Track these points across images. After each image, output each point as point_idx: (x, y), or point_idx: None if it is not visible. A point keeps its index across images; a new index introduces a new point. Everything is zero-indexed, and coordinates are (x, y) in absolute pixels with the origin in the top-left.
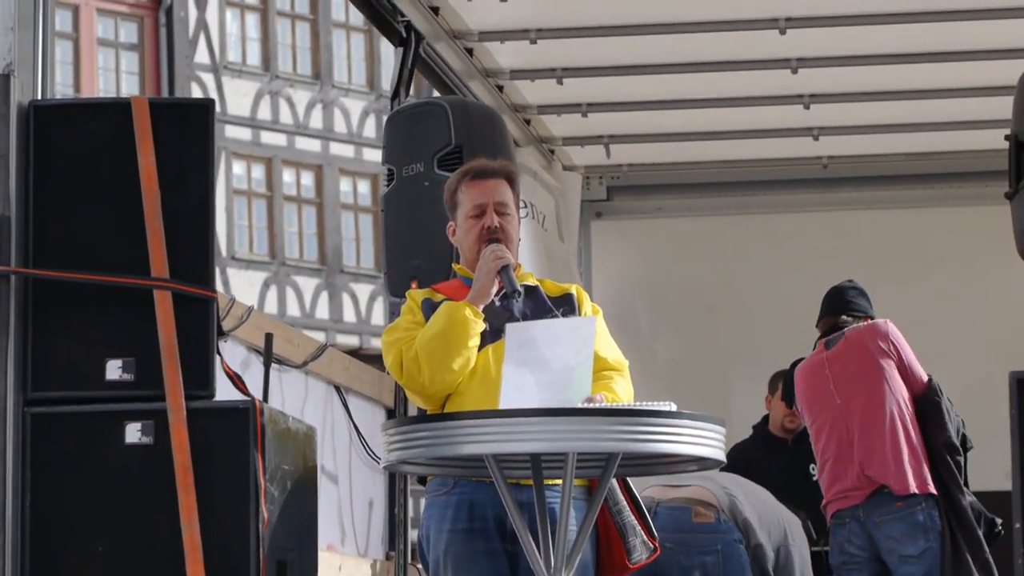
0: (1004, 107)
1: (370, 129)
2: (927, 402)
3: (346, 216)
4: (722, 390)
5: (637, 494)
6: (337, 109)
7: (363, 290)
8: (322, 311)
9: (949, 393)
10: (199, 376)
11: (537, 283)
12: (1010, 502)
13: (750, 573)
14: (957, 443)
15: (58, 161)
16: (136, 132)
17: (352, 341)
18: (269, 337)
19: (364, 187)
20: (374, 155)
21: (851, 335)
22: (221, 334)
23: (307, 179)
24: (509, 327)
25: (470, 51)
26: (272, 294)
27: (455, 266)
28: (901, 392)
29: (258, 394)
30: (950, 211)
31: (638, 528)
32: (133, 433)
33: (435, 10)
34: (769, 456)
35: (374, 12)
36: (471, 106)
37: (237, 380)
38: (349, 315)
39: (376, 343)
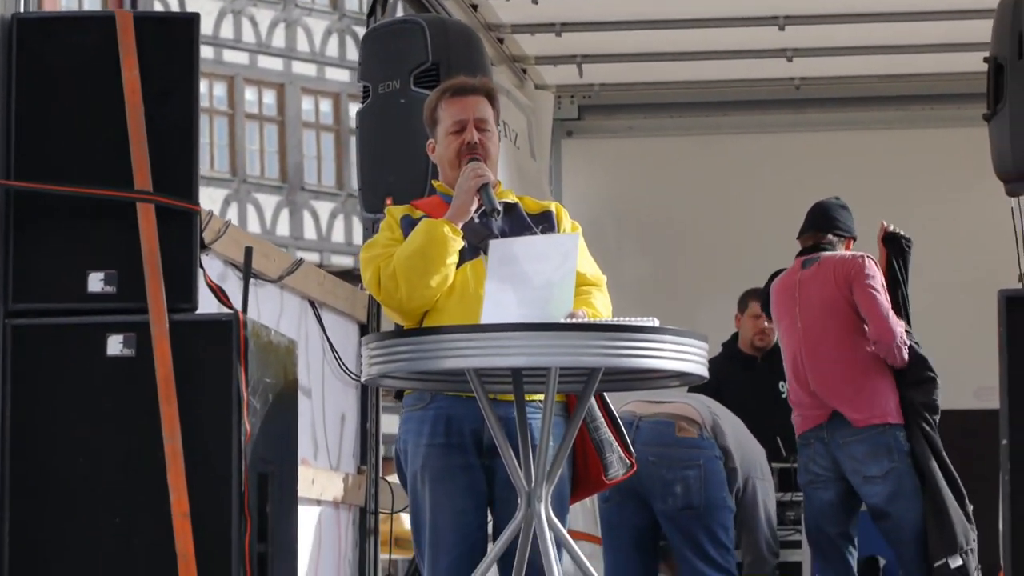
0: (978, 30)
1: (332, 48)
2: (918, 373)
3: (308, 134)
4: (689, 308)
5: (615, 410)
6: (300, 28)
7: (324, 208)
8: (283, 228)
9: (922, 311)
10: (182, 289)
11: (517, 200)
12: (979, 421)
13: (727, 491)
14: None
15: (42, 74)
16: (120, 45)
17: (313, 258)
18: (249, 251)
19: (326, 106)
20: (336, 74)
21: (827, 262)
22: (203, 247)
23: (269, 97)
24: (491, 243)
25: None
26: (233, 211)
27: (434, 182)
28: (861, 329)
29: (238, 307)
30: (924, 132)
31: (615, 444)
32: (115, 345)
33: None
34: (739, 373)
35: None
36: (448, 24)
37: (220, 293)
38: (310, 232)
39: (337, 260)
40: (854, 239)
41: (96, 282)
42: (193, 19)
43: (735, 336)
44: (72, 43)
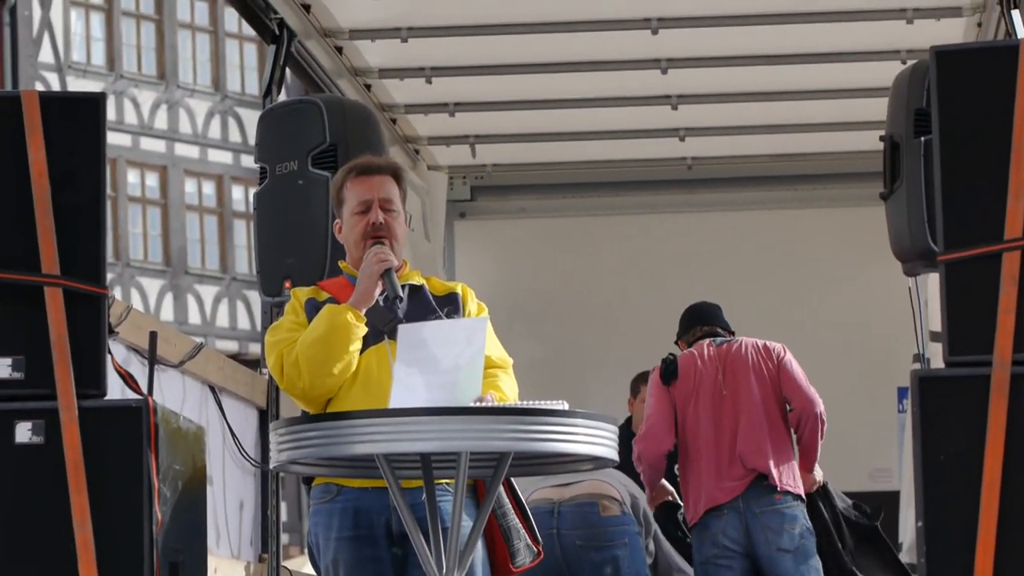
0: (868, 109)
1: (215, 130)
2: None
3: (191, 217)
4: (582, 390)
5: (522, 497)
6: (182, 109)
7: (208, 291)
8: (167, 312)
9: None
10: (90, 374)
11: (423, 281)
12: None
13: (647, 566)
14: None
15: None
16: (26, 125)
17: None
18: (154, 335)
19: (209, 188)
20: (219, 156)
21: (746, 341)
22: (110, 332)
23: (152, 180)
24: (400, 328)
25: (339, 49)
26: (116, 294)
27: (341, 263)
28: (782, 405)
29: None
30: (813, 212)
31: (523, 531)
32: (23, 432)
33: (307, 7)
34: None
35: (247, 9)
36: (346, 104)
37: (128, 378)
38: (194, 317)
39: (222, 344)
40: (733, 334)
41: (3, 368)
42: (99, 99)
43: (628, 420)
44: None
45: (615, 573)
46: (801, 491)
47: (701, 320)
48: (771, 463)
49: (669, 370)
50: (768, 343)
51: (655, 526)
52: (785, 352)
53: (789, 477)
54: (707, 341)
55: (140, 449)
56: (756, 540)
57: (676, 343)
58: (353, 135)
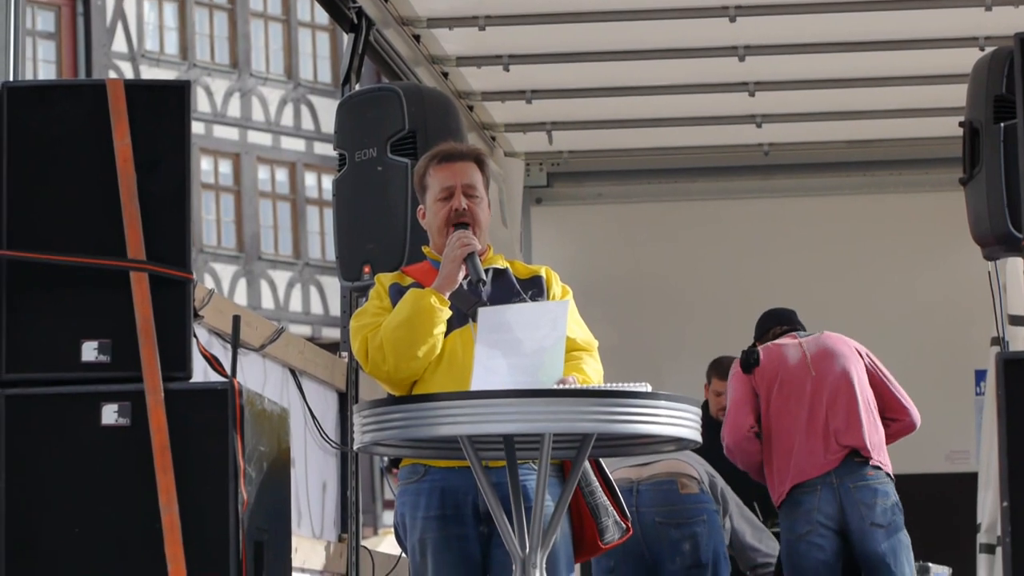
0: (946, 95)
1: (287, 118)
2: None
3: (264, 204)
4: (659, 375)
5: (610, 475)
6: (255, 98)
7: (281, 277)
8: (240, 297)
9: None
10: (176, 357)
11: (507, 265)
12: (949, 484)
13: (725, 544)
14: None
15: (33, 143)
16: (112, 114)
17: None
18: (237, 319)
19: (282, 175)
20: (291, 143)
21: (830, 334)
22: (196, 316)
23: (225, 167)
24: (481, 311)
25: (417, 37)
26: None
27: (424, 249)
28: (872, 392)
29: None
30: (890, 198)
31: (611, 508)
32: (110, 414)
33: None
34: (716, 440)
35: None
36: (424, 92)
37: (214, 361)
38: (267, 302)
39: (295, 329)
40: None
41: (90, 351)
42: (184, 87)
43: (706, 404)
44: (64, 112)
45: (694, 550)
46: (890, 469)
47: (778, 321)
48: (866, 439)
49: (750, 359)
50: (850, 340)
51: (732, 504)
52: (871, 354)
53: (880, 454)
54: (790, 334)
55: (226, 430)
56: (850, 515)
57: (754, 345)
58: (432, 122)
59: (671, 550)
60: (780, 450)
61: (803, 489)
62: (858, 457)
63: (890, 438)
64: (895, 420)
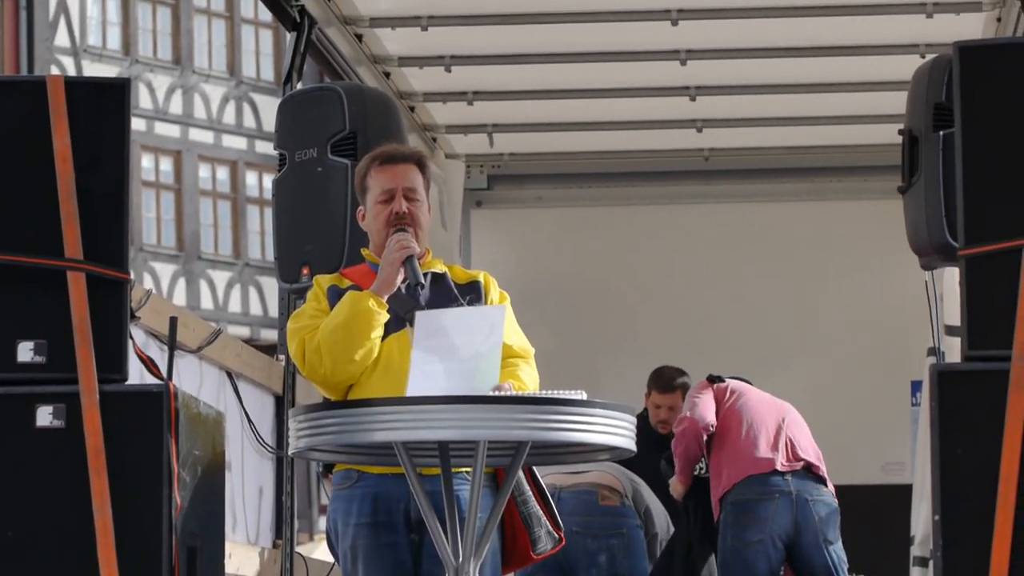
0: (887, 102)
1: (229, 115)
2: None
3: (204, 202)
4: (597, 381)
5: (543, 483)
6: (197, 95)
7: (220, 277)
8: (179, 297)
9: (824, 386)
10: (112, 359)
11: (445, 269)
12: (883, 496)
13: (647, 560)
14: None
15: None
16: (51, 111)
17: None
18: (174, 321)
19: (223, 173)
20: (233, 141)
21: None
22: (133, 317)
23: (166, 165)
24: (418, 315)
25: (360, 37)
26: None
27: (363, 251)
28: None
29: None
30: (830, 205)
31: (543, 518)
32: (44, 416)
33: None
34: (652, 450)
35: None
36: (366, 92)
37: (150, 364)
38: (206, 302)
39: (233, 330)
40: None
41: (26, 351)
42: (125, 85)
43: (645, 412)
44: (2, 108)
45: (610, 562)
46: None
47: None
48: (816, 459)
49: (715, 377)
50: None
51: (661, 535)
52: None
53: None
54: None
55: (160, 434)
56: (804, 529)
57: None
58: (373, 123)
59: (587, 561)
60: (733, 444)
61: (760, 493)
62: (811, 473)
63: None
64: None
